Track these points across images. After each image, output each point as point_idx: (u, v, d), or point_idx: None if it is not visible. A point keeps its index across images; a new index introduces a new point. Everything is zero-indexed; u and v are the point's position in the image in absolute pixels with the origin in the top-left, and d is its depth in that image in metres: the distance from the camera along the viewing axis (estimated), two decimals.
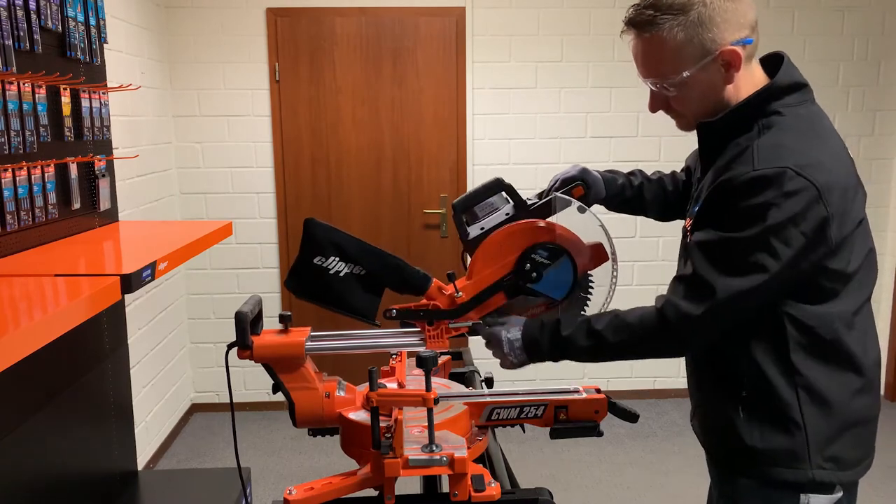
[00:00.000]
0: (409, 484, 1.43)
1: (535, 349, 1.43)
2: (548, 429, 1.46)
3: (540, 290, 1.47)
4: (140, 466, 3.08)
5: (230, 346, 1.40)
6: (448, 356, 1.81)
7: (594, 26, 4.09)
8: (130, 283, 1.74)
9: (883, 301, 4.40)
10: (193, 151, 4.09)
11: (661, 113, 1.44)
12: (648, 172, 1.74)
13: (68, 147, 2.31)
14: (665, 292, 1.36)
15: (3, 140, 1.94)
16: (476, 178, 4.15)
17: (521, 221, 1.49)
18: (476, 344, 1.65)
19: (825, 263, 1.28)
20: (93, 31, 2.45)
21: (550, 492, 1.37)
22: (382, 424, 1.31)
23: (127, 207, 3.25)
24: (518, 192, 1.54)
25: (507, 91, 4.13)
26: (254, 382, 4.17)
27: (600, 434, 1.44)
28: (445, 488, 1.31)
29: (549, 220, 1.50)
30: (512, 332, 1.44)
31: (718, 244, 1.28)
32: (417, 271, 1.47)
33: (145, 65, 3.62)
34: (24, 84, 2.03)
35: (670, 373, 4.36)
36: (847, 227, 1.28)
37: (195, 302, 4.24)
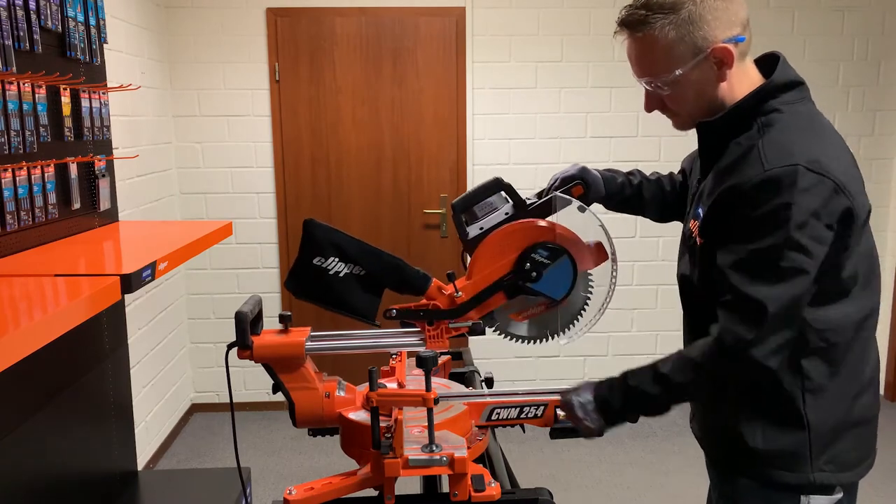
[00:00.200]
0: (409, 484, 1.43)
1: (608, 407, 1.39)
2: (548, 429, 1.46)
3: (539, 289, 1.47)
4: (140, 466, 3.08)
5: (230, 346, 1.40)
6: (448, 356, 1.81)
7: (594, 26, 4.09)
8: (130, 283, 1.74)
9: (883, 301, 4.37)
10: (193, 151, 4.09)
11: (660, 113, 1.44)
12: (647, 173, 1.75)
13: (68, 147, 2.31)
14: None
15: (3, 140, 1.94)
16: (476, 178, 4.15)
17: (520, 221, 1.48)
18: (476, 344, 1.65)
19: (841, 259, 1.28)
20: (93, 31, 2.45)
21: (550, 492, 1.37)
22: (382, 424, 1.31)
23: (127, 207, 3.25)
24: (517, 191, 1.54)
25: (507, 91, 4.13)
26: (254, 382, 4.17)
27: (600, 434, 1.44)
28: (445, 488, 1.31)
29: (548, 219, 1.50)
30: (583, 395, 1.41)
31: (750, 258, 1.25)
32: (417, 271, 1.47)
33: (145, 65, 3.62)
34: (24, 84, 2.03)
35: None
36: (862, 219, 1.29)
37: (195, 302, 4.24)
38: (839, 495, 1.36)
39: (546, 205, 1.53)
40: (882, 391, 4.34)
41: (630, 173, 1.70)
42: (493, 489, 1.28)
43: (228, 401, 1.53)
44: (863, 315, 1.34)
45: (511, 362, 4.28)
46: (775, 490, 1.36)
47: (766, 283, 1.24)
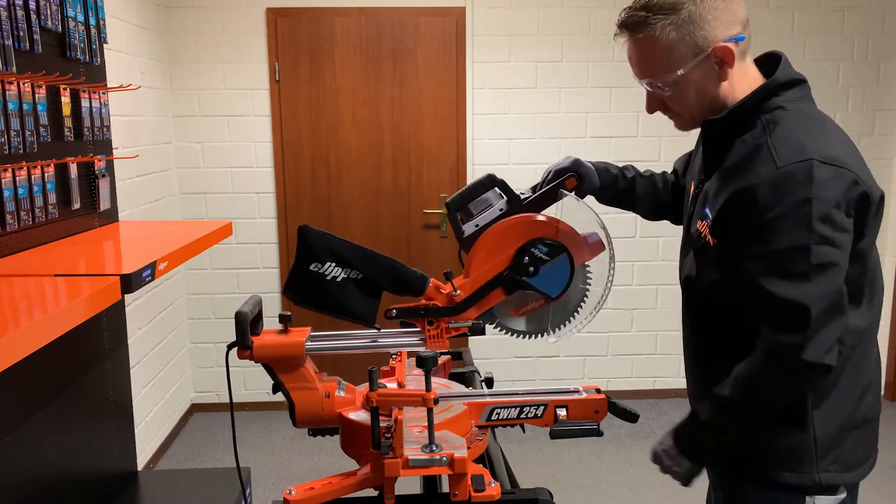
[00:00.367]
0: (409, 484, 1.43)
1: (689, 447, 1.40)
2: (548, 429, 1.45)
3: (534, 284, 1.46)
4: (140, 466, 3.08)
5: (230, 347, 1.40)
6: (448, 356, 1.81)
7: (594, 26, 4.09)
8: (130, 283, 1.74)
9: (883, 300, 4.39)
10: (193, 151, 4.09)
11: (660, 113, 1.44)
12: (641, 170, 1.74)
13: (68, 147, 2.31)
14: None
15: (3, 140, 1.94)
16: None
17: (517, 216, 1.48)
18: (476, 344, 1.64)
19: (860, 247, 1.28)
20: (93, 31, 2.45)
21: (550, 492, 1.38)
22: (382, 424, 1.31)
23: (127, 207, 3.25)
24: (511, 186, 1.53)
25: (507, 91, 4.13)
26: (254, 382, 4.17)
27: (600, 434, 1.43)
28: (445, 488, 1.31)
29: (545, 213, 1.50)
30: (664, 442, 1.43)
31: (779, 260, 1.23)
32: (414, 272, 1.47)
33: (145, 65, 3.62)
34: (24, 84, 2.03)
35: (670, 373, 4.35)
36: (875, 203, 1.29)
37: (195, 302, 4.24)
38: (843, 495, 1.36)
39: (540, 199, 1.52)
40: (882, 391, 4.34)
41: (624, 167, 1.69)
42: (493, 489, 1.28)
43: (228, 401, 1.53)
44: (867, 323, 1.35)
45: (511, 362, 4.28)
46: (779, 491, 1.36)
47: (801, 283, 1.22)
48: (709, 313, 1.44)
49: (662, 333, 4.28)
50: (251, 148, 4.11)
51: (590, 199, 1.61)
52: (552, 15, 4.08)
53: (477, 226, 1.50)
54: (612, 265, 1.49)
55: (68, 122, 2.30)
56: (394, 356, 1.69)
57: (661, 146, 4.17)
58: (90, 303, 1.59)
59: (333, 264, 1.43)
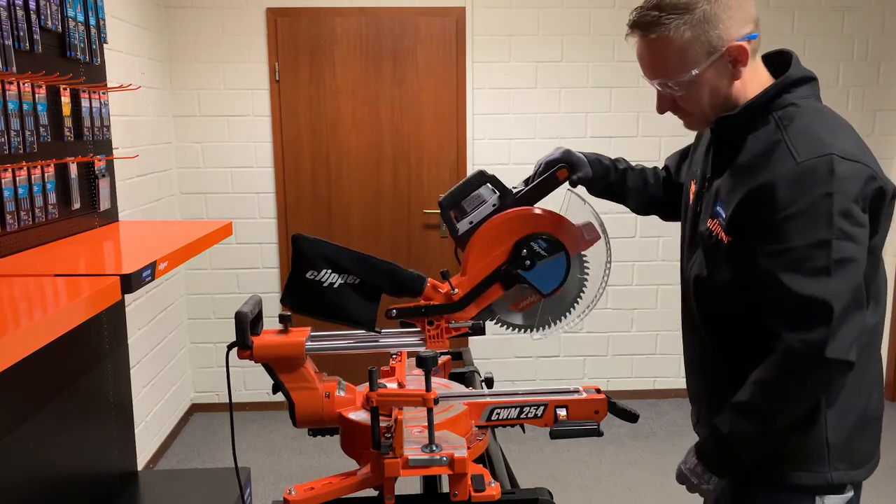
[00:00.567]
0: (409, 484, 1.43)
1: (714, 461, 1.37)
2: (548, 429, 1.45)
3: (529, 278, 1.46)
4: (140, 466, 3.08)
5: (230, 347, 1.40)
6: (448, 356, 1.81)
7: (594, 26, 4.09)
8: (130, 283, 1.74)
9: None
10: (193, 151, 4.09)
11: (669, 114, 1.43)
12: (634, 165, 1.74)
13: (68, 147, 2.31)
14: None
15: (3, 140, 1.94)
16: None
17: (511, 210, 1.48)
18: (476, 344, 1.64)
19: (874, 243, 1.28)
20: (93, 31, 2.45)
21: (550, 492, 1.38)
22: (382, 424, 1.31)
23: (127, 207, 3.25)
24: (501, 181, 1.53)
25: (507, 91, 4.13)
26: (254, 382, 4.16)
27: (600, 434, 1.43)
28: (445, 488, 1.31)
29: (538, 205, 1.50)
30: (688, 461, 1.41)
31: (799, 257, 1.22)
32: (412, 273, 1.47)
33: (145, 65, 3.62)
34: (24, 84, 2.03)
35: (670, 373, 4.35)
36: (889, 195, 1.29)
37: (195, 302, 4.24)
38: (850, 493, 1.36)
39: (532, 191, 1.52)
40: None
41: (616, 160, 1.68)
42: (493, 489, 1.28)
43: (228, 401, 1.53)
44: (876, 321, 1.34)
45: (511, 362, 4.27)
46: (790, 492, 1.35)
47: (822, 278, 1.21)
48: (719, 313, 1.42)
49: (662, 333, 4.27)
50: (251, 148, 4.11)
51: (581, 190, 1.59)
52: (552, 15, 4.08)
53: (471, 223, 1.50)
54: (608, 266, 1.49)
55: (68, 122, 2.30)
56: (394, 356, 1.69)
57: (661, 146, 4.16)
58: (90, 303, 1.59)
59: (329, 271, 1.43)
